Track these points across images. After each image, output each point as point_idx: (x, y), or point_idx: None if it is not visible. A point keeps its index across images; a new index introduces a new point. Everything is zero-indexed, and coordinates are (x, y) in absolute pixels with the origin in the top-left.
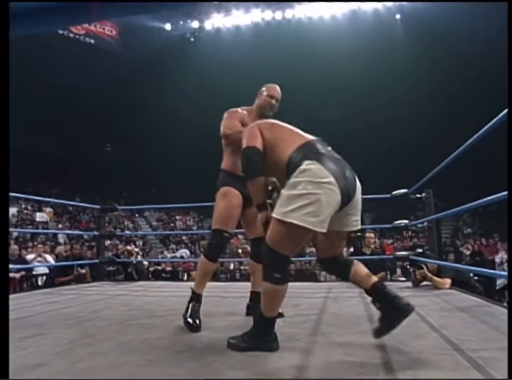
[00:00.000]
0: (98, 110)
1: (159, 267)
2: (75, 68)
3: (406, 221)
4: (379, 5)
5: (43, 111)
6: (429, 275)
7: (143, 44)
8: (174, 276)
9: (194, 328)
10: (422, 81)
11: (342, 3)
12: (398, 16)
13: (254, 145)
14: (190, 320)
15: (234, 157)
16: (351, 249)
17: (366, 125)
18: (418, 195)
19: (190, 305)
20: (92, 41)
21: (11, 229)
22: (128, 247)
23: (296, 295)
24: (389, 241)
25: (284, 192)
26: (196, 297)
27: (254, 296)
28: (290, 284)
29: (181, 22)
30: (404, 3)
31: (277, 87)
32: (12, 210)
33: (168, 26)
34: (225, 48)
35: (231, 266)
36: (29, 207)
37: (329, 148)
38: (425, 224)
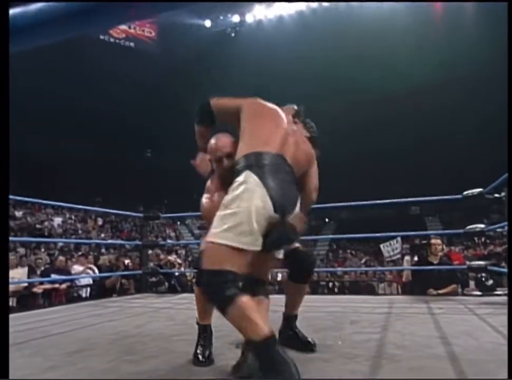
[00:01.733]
0: (138, 115)
1: None
2: (116, 72)
3: (482, 225)
4: None
5: (84, 119)
6: None
7: (182, 43)
8: None
9: (201, 363)
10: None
11: None
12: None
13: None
14: (199, 357)
15: None
16: (416, 259)
17: (420, 115)
18: (496, 195)
19: (200, 340)
20: (132, 44)
21: (56, 240)
22: (170, 258)
23: (353, 310)
24: (457, 248)
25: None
26: (202, 329)
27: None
28: (345, 297)
29: (221, 18)
30: None
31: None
32: (57, 220)
33: (207, 23)
34: (267, 41)
35: (279, 277)
36: (73, 217)
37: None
38: (505, 228)
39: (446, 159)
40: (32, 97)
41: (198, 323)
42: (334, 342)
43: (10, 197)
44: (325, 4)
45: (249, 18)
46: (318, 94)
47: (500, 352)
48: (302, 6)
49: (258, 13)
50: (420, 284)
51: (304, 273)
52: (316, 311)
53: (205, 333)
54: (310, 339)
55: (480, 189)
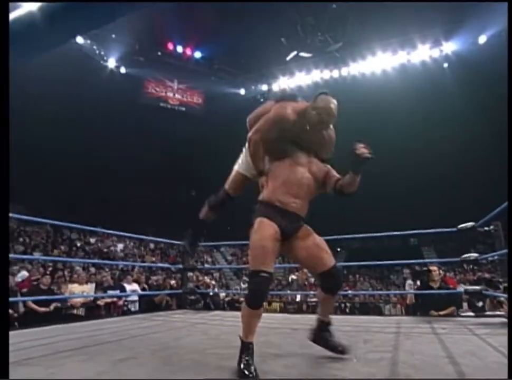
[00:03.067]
0: (187, 163)
1: (234, 298)
2: (171, 130)
3: (476, 254)
4: (426, 57)
5: (146, 169)
6: (505, 301)
7: (223, 107)
8: None
9: (250, 378)
10: (472, 124)
11: (392, 58)
12: (445, 65)
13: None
14: (245, 371)
15: (272, 185)
16: (418, 283)
17: (418, 158)
18: (486, 228)
19: (242, 357)
20: (184, 109)
21: (117, 262)
22: (206, 280)
23: (365, 330)
24: (450, 274)
25: None
26: (245, 347)
27: (319, 324)
28: (356, 317)
29: (253, 87)
30: (449, 53)
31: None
32: (120, 246)
33: (242, 91)
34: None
35: (298, 298)
36: (132, 243)
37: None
38: (495, 257)
39: (437, 199)
40: (116, 151)
41: (242, 340)
42: (351, 361)
43: (87, 227)
44: (335, 76)
45: (275, 87)
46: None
47: (505, 372)
48: (317, 77)
49: (282, 83)
50: (422, 306)
51: (338, 287)
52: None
53: (249, 350)
54: (341, 344)
55: (473, 223)
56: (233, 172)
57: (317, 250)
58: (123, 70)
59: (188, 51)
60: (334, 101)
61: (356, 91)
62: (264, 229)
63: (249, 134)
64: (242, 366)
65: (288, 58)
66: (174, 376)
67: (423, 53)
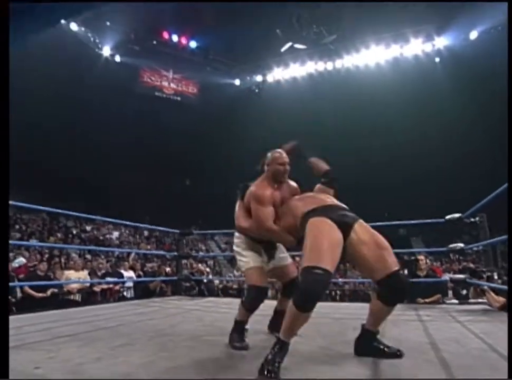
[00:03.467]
0: (181, 153)
1: (228, 285)
2: (166, 119)
3: (462, 244)
4: (419, 51)
5: (141, 155)
6: (487, 289)
7: (218, 98)
8: (240, 293)
9: (270, 378)
10: (464, 118)
11: (385, 51)
12: (437, 59)
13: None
14: (267, 371)
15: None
16: (406, 272)
17: (408, 149)
18: (472, 219)
19: (273, 354)
20: (179, 98)
21: (113, 249)
22: (200, 267)
23: (354, 317)
24: (437, 264)
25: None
26: (280, 346)
27: (368, 334)
28: (348, 304)
29: (248, 78)
30: (441, 47)
31: (282, 153)
32: (115, 234)
33: (237, 81)
34: (284, 97)
35: None
36: (127, 231)
37: None
38: (480, 247)
39: (433, 190)
40: (111, 137)
41: (279, 339)
42: (342, 347)
43: (83, 215)
44: (329, 68)
45: (270, 78)
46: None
47: (486, 358)
48: (311, 69)
49: (277, 74)
50: (409, 294)
51: (396, 298)
52: (323, 317)
53: (282, 350)
54: (396, 349)
55: (460, 214)
56: (250, 271)
57: (379, 249)
58: (118, 59)
59: (184, 41)
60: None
61: (349, 83)
62: (316, 225)
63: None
64: (268, 361)
65: (283, 49)
66: (172, 362)
67: (415, 47)
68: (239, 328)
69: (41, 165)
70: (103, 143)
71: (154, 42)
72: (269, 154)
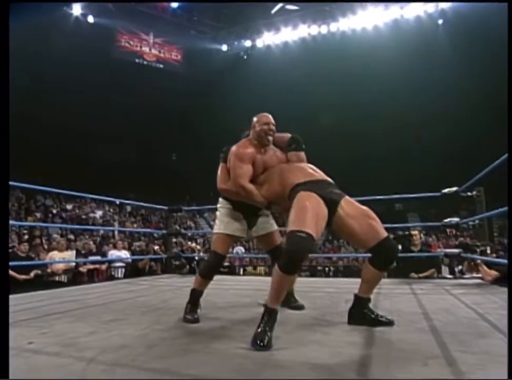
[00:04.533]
0: (166, 125)
1: None
2: (149, 89)
3: (457, 219)
4: (421, 12)
5: (120, 127)
6: (481, 263)
7: (203, 64)
8: (231, 271)
9: (262, 348)
10: (464, 83)
11: (384, 13)
12: (440, 21)
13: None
14: (258, 340)
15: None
16: (399, 248)
17: (405, 120)
18: (469, 193)
19: (263, 323)
20: (161, 66)
21: (97, 227)
22: (191, 245)
23: (347, 291)
24: (432, 238)
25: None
26: (269, 313)
27: (360, 302)
28: (341, 279)
29: (236, 43)
30: (445, 8)
31: (268, 115)
32: (99, 213)
33: (224, 47)
34: (274, 63)
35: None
36: (111, 210)
37: None
38: (476, 221)
39: (432, 163)
40: (90, 109)
41: (266, 306)
42: (333, 318)
43: (63, 191)
44: (323, 32)
45: (259, 43)
46: (311, 105)
47: (475, 325)
48: (304, 33)
49: (267, 39)
50: (403, 269)
51: (392, 260)
52: (317, 291)
53: (270, 316)
54: (386, 318)
55: (456, 188)
56: (217, 236)
57: (367, 220)
58: (91, 19)
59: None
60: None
61: (345, 48)
62: (304, 198)
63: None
64: (259, 332)
65: (273, 11)
66: (166, 333)
67: (416, 8)
68: (193, 299)
69: (13, 136)
70: (80, 114)
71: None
72: (254, 118)
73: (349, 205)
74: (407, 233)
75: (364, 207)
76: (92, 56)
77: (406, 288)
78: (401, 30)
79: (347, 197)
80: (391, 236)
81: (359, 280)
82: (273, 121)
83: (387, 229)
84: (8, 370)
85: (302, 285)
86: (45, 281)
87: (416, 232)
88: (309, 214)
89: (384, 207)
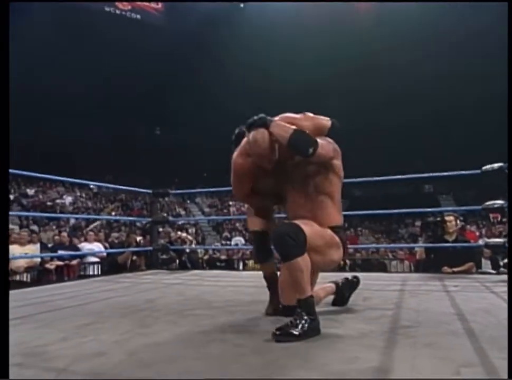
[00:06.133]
0: (146, 90)
1: (214, 256)
2: (122, 45)
3: (501, 201)
4: None
5: (92, 97)
6: None
7: (190, 14)
8: (229, 265)
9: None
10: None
11: None
12: None
13: None
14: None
15: None
16: (430, 236)
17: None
18: None
19: (310, 314)
20: (138, 16)
21: (67, 215)
22: (182, 235)
23: (365, 288)
24: (472, 227)
25: None
26: (312, 302)
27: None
28: (357, 274)
29: None
30: None
31: (260, 144)
32: (68, 199)
33: None
34: (276, 12)
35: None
36: (84, 195)
37: None
38: None
39: (457, 135)
40: (38, 76)
41: (303, 299)
42: (348, 318)
43: (22, 172)
44: None
45: None
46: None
47: None
48: None
49: None
50: (434, 262)
51: (277, 251)
52: None
53: (313, 305)
54: None
55: (500, 164)
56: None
57: None
58: None
59: None
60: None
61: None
62: None
63: None
64: (306, 325)
65: None
66: (149, 338)
67: None
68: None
69: None
70: (45, 86)
71: None
72: (246, 140)
73: None
74: (439, 219)
75: None
76: (48, 3)
77: (437, 285)
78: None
79: None
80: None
81: (379, 275)
82: (266, 151)
83: (414, 214)
84: (8, 370)
85: None
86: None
87: (451, 218)
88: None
89: (411, 189)
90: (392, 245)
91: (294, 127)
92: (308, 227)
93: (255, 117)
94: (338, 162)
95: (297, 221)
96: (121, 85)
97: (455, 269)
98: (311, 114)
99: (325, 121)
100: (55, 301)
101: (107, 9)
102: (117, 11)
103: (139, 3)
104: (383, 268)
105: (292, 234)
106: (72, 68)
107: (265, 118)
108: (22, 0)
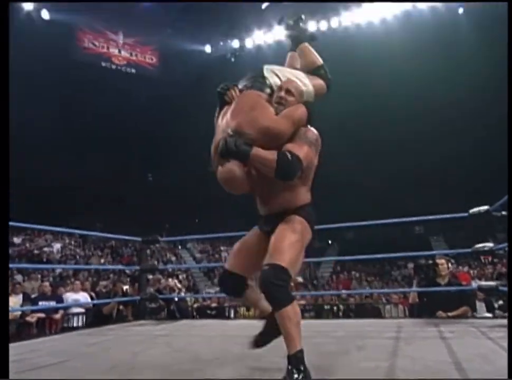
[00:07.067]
0: (139, 139)
1: (204, 303)
2: (117, 98)
3: (491, 244)
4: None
5: (85, 143)
6: None
7: (183, 69)
8: (220, 313)
9: None
10: (491, 84)
11: (393, 4)
12: (461, 10)
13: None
14: None
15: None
16: (423, 279)
17: (422, 132)
18: (504, 213)
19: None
20: (133, 70)
21: (54, 266)
22: (170, 282)
23: (359, 335)
24: (464, 268)
25: None
26: (303, 354)
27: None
28: (350, 321)
29: (221, 43)
30: None
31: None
32: (57, 246)
33: (208, 48)
34: (265, 62)
35: None
36: (72, 242)
37: None
38: None
39: (450, 176)
40: (45, 123)
41: (292, 355)
42: (341, 370)
43: (9, 223)
44: (323, 28)
45: (249, 43)
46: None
47: None
48: None
49: (257, 38)
50: (428, 307)
51: (263, 293)
52: (322, 336)
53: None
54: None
55: (487, 207)
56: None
57: (270, 247)
58: (45, 15)
59: None
60: None
61: (348, 45)
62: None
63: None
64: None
65: (264, 6)
66: None
67: None
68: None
69: None
70: (32, 125)
71: None
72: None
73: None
74: (431, 261)
75: (282, 233)
76: (48, 59)
77: (432, 331)
78: (414, 24)
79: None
80: (411, 265)
81: (374, 321)
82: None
83: (405, 257)
84: (8, 370)
85: (306, 328)
86: None
87: (442, 261)
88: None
89: (402, 231)
90: (386, 290)
91: (274, 156)
92: (286, 254)
93: (233, 144)
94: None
95: (274, 254)
96: (113, 132)
97: (450, 314)
98: (297, 86)
99: (304, 103)
100: (34, 358)
101: (103, 64)
102: (113, 66)
103: (134, 58)
104: (377, 313)
105: (275, 281)
106: (66, 117)
107: (247, 150)
108: (23, 0)
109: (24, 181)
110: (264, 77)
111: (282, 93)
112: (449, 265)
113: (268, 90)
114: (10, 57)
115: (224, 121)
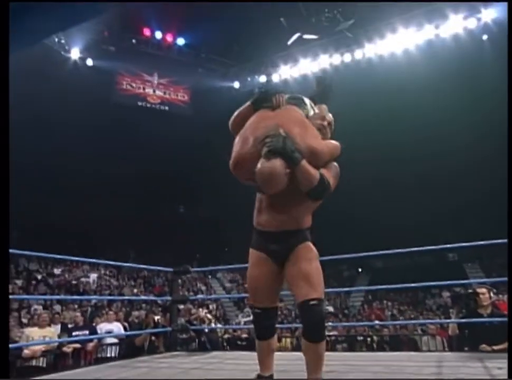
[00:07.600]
0: (173, 173)
1: (235, 334)
2: (152, 134)
3: None
4: (460, 29)
5: (120, 180)
6: None
7: (213, 105)
8: (251, 344)
9: None
10: None
11: (416, 34)
12: (485, 37)
13: None
14: None
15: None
16: (463, 311)
17: (450, 167)
18: None
19: None
20: (167, 108)
21: (87, 297)
22: (201, 313)
23: (397, 371)
24: (503, 297)
25: None
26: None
27: None
28: (386, 354)
29: (249, 79)
30: (489, 21)
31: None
32: (93, 276)
33: (236, 84)
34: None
35: None
36: (108, 273)
37: None
38: None
39: (482, 204)
40: (83, 161)
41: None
42: None
43: (50, 255)
44: (346, 60)
45: (276, 77)
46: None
47: None
48: (325, 64)
49: (284, 73)
50: (470, 339)
51: (310, 331)
52: (358, 370)
53: None
54: None
55: None
56: None
57: (298, 277)
58: (89, 62)
59: (169, 38)
60: None
61: (372, 76)
62: (250, 261)
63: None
64: None
65: (290, 42)
66: None
67: (455, 25)
68: None
69: None
70: (73, 164)
71: (134, 41)
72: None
73: (297, 256)
74: (470, 291)
75: (310, 264)
76: (91, 101)
77: (478, 367)
78: (437, 53)
79: (304, 245)
80: (446, 293)
81: (411, 354)
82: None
83: (442, 286)
84: (8, 370)
85: (340, 362)
86: (19, 367)
87: (483, 290)
88: (254, 282)
89: (434, 258)
90: (422, 320)
91: (317, 174)
92: (322, 284)
93: (291, 145)
94: None
95: (314, 286)
96: (149, 166)
97: (495, 348)
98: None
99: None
100: None
101: (139, 103)
102: (148, 105)
103: (168, 97)
104: (414, 345)
105: (324, 315)
106: (104, 155)
107: (299, 157)
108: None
109: (65, 218)
110: (304, 102)
111: (325, 123)
112: (491, 294)
113: (303, 114)
114: (63, 100)
115: (268, 123)
